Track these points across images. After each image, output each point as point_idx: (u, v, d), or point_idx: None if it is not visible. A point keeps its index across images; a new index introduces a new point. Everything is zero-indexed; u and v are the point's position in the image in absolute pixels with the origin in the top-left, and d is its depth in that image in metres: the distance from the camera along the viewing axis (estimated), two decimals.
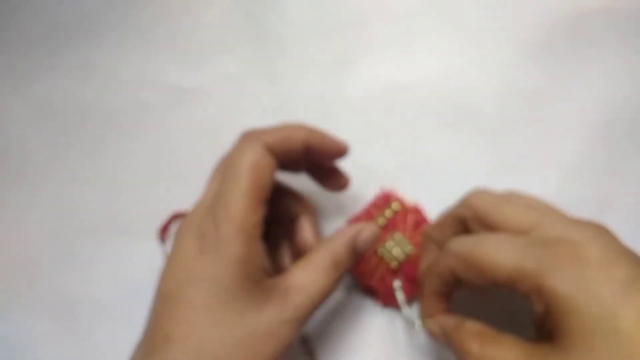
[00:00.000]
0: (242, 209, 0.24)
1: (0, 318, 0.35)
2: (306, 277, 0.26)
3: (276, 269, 0.30)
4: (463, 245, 0.26)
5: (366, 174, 0.34)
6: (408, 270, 0.32)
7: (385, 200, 0.34)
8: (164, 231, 0.35)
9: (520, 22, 0.37)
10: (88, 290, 0.35)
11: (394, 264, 0.32)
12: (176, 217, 0.35)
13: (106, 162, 0.37)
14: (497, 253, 0.24)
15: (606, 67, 0.36)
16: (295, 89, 0.38)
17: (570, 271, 0.22)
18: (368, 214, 0.34)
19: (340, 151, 0.29)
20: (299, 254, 0.30)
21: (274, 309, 0.25)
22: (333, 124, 0.36)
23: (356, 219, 0.34)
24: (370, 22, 0.38)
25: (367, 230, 0.28)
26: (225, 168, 0.26)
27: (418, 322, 0.29)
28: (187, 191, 0.36)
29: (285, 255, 0.32)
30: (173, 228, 0.35)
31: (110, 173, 0.37)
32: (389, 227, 0.33)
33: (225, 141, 0.37)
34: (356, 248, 0.28)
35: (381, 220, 0.33)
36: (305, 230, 0.31)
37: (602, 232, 0.24)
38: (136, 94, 0.38)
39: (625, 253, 0.23)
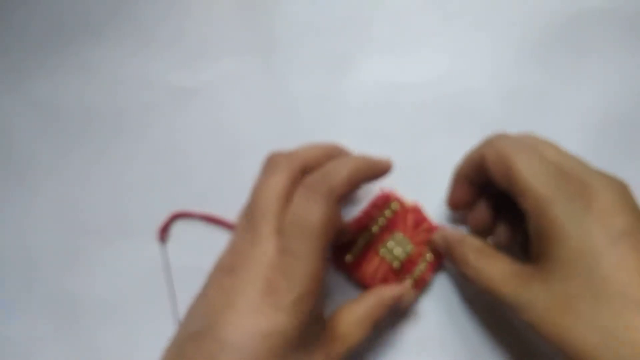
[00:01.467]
0: (316, 270, 0.25)
1: (1, 318, 0.35)
2: (350, 330, 0.28)
3: None
4: (504, 143, 0.28)
5: None
6: (410, 270, 0.32)
7: (384, 200, 0.34)
8: (163, 231, 0.35)
9: (519, 22, 0.37)
10: (90, 290, 0.35)
11: (395, 264, 0.32)
12: (176, 217, 0.35)
13: (108, 163, 0.37)
14: (525, 166, 0.26)
15: (605, 66, 0.36)
16: (295, 89, 0.37)
17: (575, 208, 0.25)
18: (368, 215, 0.33)
19: (387, 172, 0.30)
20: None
21: (320, 356, 0.26)
22: (333, 124, 0.37)
23: (356, 220, 0.34)
24: (370, 22, 0.38)
25: (409, 297, 0.31)
26: (294, 224, 0.26)
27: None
28: (190, 191, 0.36)
29: None
30: (172, 228, 0.35)
31: (112, 173, 0.37)
32: (389, 227, 0.33)
33: (226, 141, 0.37)
34: (393, 309, 0.30)
35: (381, 221, 0.33)
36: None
37: (619, 186, 0.26)
38: (138, 95, 0.38)
39: (634, 209, 0.25)
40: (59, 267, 0.35)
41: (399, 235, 0.33)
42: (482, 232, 0.32)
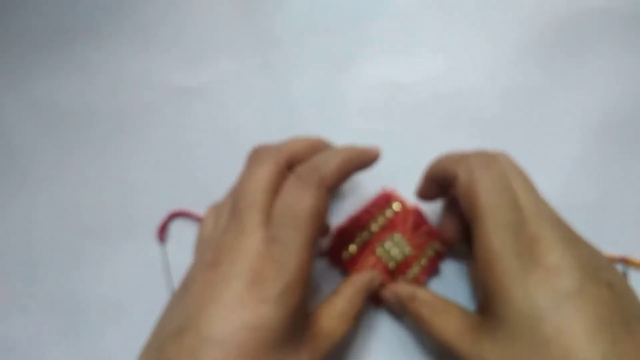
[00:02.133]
0: (304, 260, 0.25)
1: (2, 318, 0.35)
2: (332, 325, 0.28)
3: None
4: (480, 175, 0.27)
5: (366, 173, 0.34)
6: (404, 272, 0.32)
7: (386, 199, 0.34)
8: (162, 231, 0.35)
9: (519, 22, 0.37)
10: (91, 290, 0.35)
11: (391, 265, 0.32)
12: (174, 216, 0.35)
13: (108, 163, 0.37)
14: (490, 209, 0.26)
15: (605, 66, 0.36)
16: (296, 89, 0.37)
17: (522, 266, 0.24)
18: (369, 213, 0.33)
19: (375, 160, 0.30)
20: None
21: (306, 353, 0.25)
22: (333, 123, 0.37)
23: (357, 218, 0.34)
24: (370, 22, 0.38)
25: (378, 279, 0.31)
26: (283, 213, 0.25)
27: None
28: (191, 191, 0.36)
29: None
30: (172, 228, 0.35)
31: (113, 173, 0.37)
32: (388, 227, 0.33)
33: (227, 141, 0.37)
34: (368, 294, 0.30)
35: (381, 220, 0.33)
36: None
37: (572, 239, 0.25)
38: (138, 95, 0.38)
39: (585, 265, 0.24)
40: (59, 267, 0.35)
41: (397, 236, 0.33)
42: (451, 244, 0.32)
